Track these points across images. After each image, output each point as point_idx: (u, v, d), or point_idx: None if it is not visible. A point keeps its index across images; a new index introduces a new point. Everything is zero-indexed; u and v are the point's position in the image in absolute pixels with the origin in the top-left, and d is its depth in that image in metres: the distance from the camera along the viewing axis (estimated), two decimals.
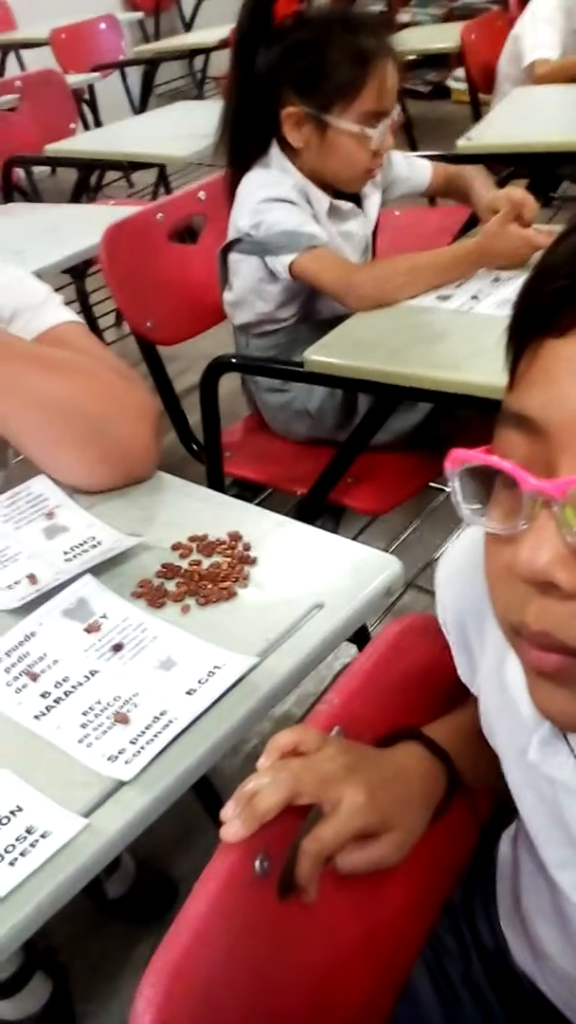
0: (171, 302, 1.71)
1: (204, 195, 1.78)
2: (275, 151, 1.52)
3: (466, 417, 1.49)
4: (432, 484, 1.67)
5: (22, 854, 0.66)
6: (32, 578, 0.94)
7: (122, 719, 0.77)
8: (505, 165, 2.26)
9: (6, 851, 0.66)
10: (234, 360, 1.61)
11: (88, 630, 0.86)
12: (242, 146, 1.53)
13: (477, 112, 3.34)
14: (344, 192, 1.56)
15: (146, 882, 1.53)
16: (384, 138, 1.48)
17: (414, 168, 1.72)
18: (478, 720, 0.67)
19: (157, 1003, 0.53)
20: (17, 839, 0.67)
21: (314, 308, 1.60)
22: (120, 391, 1.03)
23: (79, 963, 1.46)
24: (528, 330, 0.44)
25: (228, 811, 0.60)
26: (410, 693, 0.76)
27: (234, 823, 0.59)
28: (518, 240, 1.42)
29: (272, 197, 1.47)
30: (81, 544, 0.99)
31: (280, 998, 0.63)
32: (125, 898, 1.51)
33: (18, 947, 0.63)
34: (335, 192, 1.55)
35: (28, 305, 1.08)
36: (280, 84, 1.43)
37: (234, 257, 1.56)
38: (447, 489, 0.49)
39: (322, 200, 1.53)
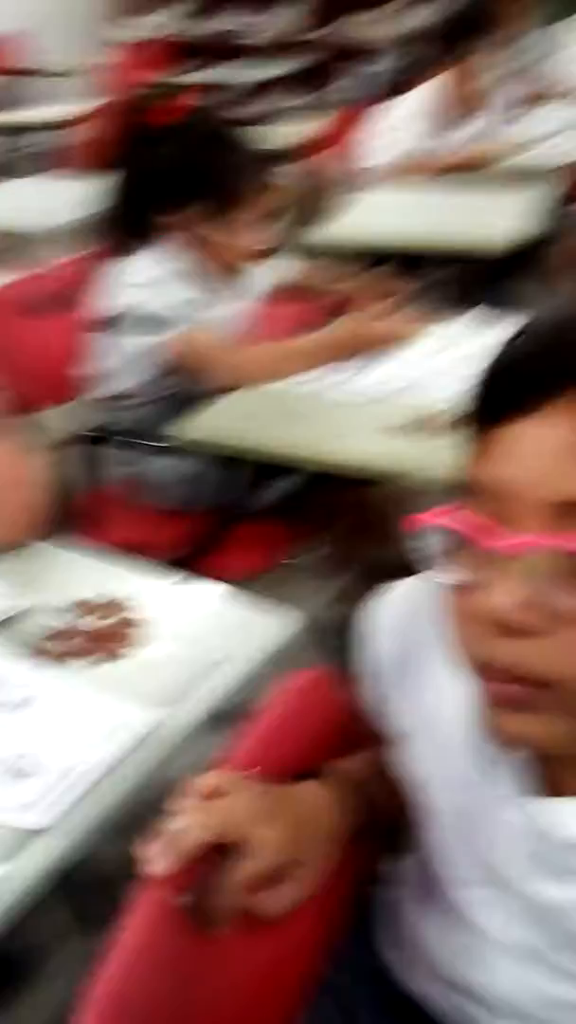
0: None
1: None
2: (158, 239, 1.61)
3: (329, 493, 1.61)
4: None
5: None
6: None
7: (21, 773, 0.80)
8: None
9: None
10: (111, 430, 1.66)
11: None
12: (125, 231, 1.62)
13: None
14: (221, 279, 1.67)
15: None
16: (263, 235, 1.61)
17: (281, 267, 1.87)
18: (382, 758, 0.75)
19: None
20: None
21: (185, 386, 1.68)
22: (12, 465, 1.08)
23: None
24: (495, 412, 0.53)
25: (153, 849, 0.64)
26: (316, 737, 0.82)
27: (159, 860, 0.64)
28: (385, 331, 1.57)
29: (156, 279, 1.56)
30: None
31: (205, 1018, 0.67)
32: None
33: None
34: (213, 279, 1.66)
35: None
36: (168, 184, 1.55)
37: (109, 334, 1.63)
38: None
39: (202, 286, 1.63)
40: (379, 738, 0.78)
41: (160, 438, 1.55)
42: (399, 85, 4.17)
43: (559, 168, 3.00)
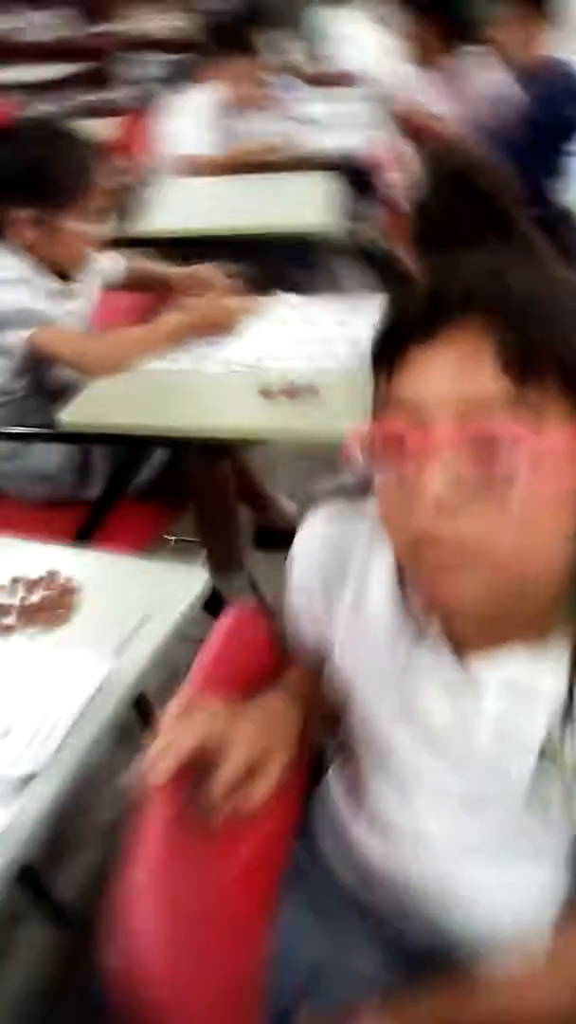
0: None
1: None
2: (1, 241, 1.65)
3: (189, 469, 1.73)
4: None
5: None
6: None
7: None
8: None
9: None
10: None
11: None
12: None
13: None
14: (65, 276, 1.73)
15: None
16: (95, 231, 1.68)
17: (114, 261, 1.95)
18: (310, 669, 0.90)
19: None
20: None
21: (42, 380, 1.73)
22: None
23: None
24: (401, 344, 0.67)
25: (152, 757, 0.74)
26: (253, 663, 0.94)
27: (159, 765, 0.74)
28: (225, 310, 1.69)
29: (4, 279, 1.60)
30: None
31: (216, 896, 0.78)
32: None
33: None
34: (52, 276, 1.71)
35: None
36: (3, 186, 1.59)
37: None
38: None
39: (49, 283, 1.69)
40: (304, 656, 0.91)
41: (40, 428, 1.59)
42: (179, 84, 4.29)
43: (350, 155, 3.22)
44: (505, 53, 2.93)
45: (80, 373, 1.64)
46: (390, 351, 0.69)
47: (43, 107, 4.46)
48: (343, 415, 1.45)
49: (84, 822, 1.50)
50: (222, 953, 0.78)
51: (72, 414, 1.51)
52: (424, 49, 3.30)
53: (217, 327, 1.72)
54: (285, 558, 0.90)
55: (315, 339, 1.70)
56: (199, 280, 1.96)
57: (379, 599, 0.82)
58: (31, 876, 1.34)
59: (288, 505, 2.17)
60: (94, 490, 1.72)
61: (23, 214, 1.61)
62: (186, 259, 2.13)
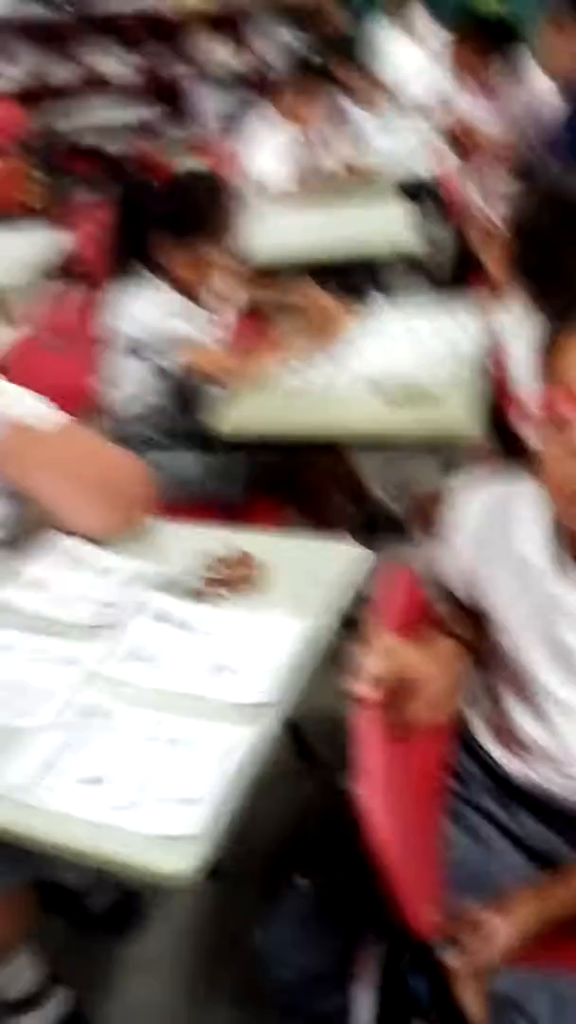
0: None
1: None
2: (151, 276, 1.93)
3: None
4: None
5: None
6: (109, 604, 1.25)
7: (227, 669, 1.11)
8: None
9: None
10: None
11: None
12: (122, 270, 1.93)
13: None
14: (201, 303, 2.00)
15: (117, 898, 1.75)
16: (224, 262, 1.94)
17: (234, 290, 2.19)
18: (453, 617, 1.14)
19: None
20: None
21: (187, 397, 1.99)
22: (122, 461, 1.38)
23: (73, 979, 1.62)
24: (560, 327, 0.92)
25: (364, 678, 0.98)
26: (414, 615, 1.17)
27: (367, 688, 0.98)
28: (332, 317, 1.99)
29: (162, 312, 1.89)
30: (132, 575, 1.30)
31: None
32: (107, 911, 1.72)
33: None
34: (195, 303, 1.98)
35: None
36: (159, 230, 1.88)
37: (123, 358, 1.92)
38: None
39: (198, 311, 1.96)
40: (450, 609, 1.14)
41: (191, 436, 1.85)
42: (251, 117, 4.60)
43: (417, 177, 3.46)
44: (548, 65, 3.12)
45: (225, 387, 1.90)
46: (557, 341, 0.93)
47: (140, 144, 4.81)
48: (457, 418, 1.69)
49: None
50: (417, 817, 1.02)
51: (228, 424, 1.77)
52: (466, 64, 3.50)
53: (328, 333, 1.97)
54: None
55: (420, 345, 1.93)
56: (306, 300, 2.19)
57: (531, 552, 1.05)
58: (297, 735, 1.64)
59: (385, 500, 2.40)
60: (233, 492, 1.97)
61: (178, 252, 1.87)
62: (270, 283, 2.38)
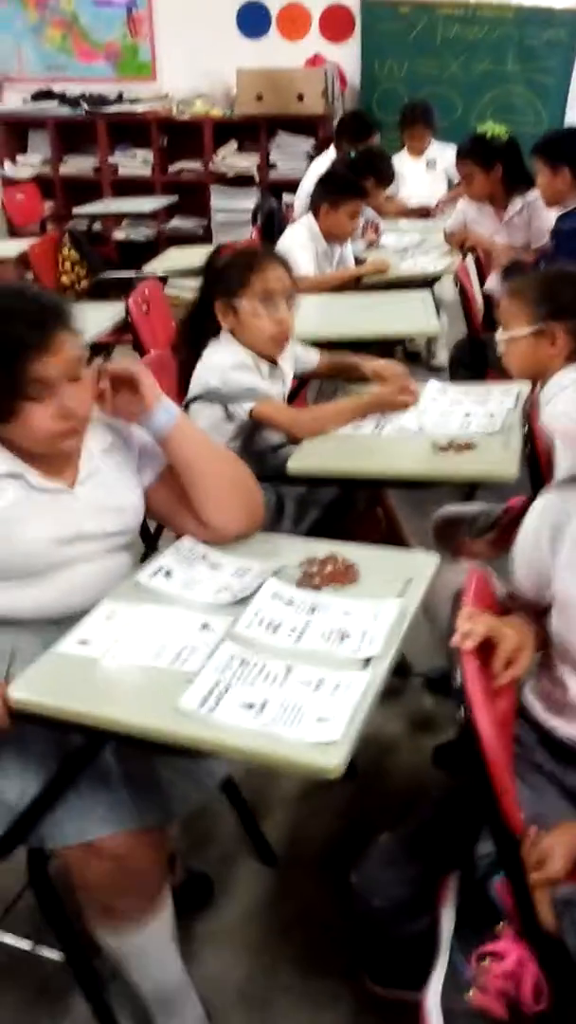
0: None
1: None
2: (224, 335, 2.22)
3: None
4: None
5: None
6: (225, 588, 1.49)
7: (344, 636, 1.36)
8: None
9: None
10: None
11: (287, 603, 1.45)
12: (200, 332, 2.24)
13: None
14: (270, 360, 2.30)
15: (188, 878, 1.92)
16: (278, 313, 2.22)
17: (307, 352, 2.52)
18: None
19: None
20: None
21: (252, 441, 2.27)
22: (249, 472, 1.66)
23: None
24: None
25: (461, 635, 1.24)
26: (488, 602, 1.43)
27: (467, 641, 1.24)
28: (404, 399, 2.28)
29: (234, 364, 2.17)
30: (242, 568, 1.55)
31: None
32: (177, 890, 1.89)
33: None
34: (260, 360, 2.27)
35: None
36: (215, 292, 2.20)
37: (197, 405, 2.20)
38: None
39: (262, 366, 2.25)
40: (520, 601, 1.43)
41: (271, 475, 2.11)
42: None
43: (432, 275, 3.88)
44: (544, 198, 3.57)
45: (290, 435, 2.18)
46: None
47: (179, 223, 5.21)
48: (495, 463, 1.98)
49: None
50: (504, 746, 1.27)
51: (296, 462, 2.05)
52: (478, 190, 3.98)
53: (393, 407, 2.27)
54: None
55: (463, 412, 2.25)
56: (389, 372, 2.47)
57: None
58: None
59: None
60: (284, 527, 2.23)
61: (221, 303, 2.19)
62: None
